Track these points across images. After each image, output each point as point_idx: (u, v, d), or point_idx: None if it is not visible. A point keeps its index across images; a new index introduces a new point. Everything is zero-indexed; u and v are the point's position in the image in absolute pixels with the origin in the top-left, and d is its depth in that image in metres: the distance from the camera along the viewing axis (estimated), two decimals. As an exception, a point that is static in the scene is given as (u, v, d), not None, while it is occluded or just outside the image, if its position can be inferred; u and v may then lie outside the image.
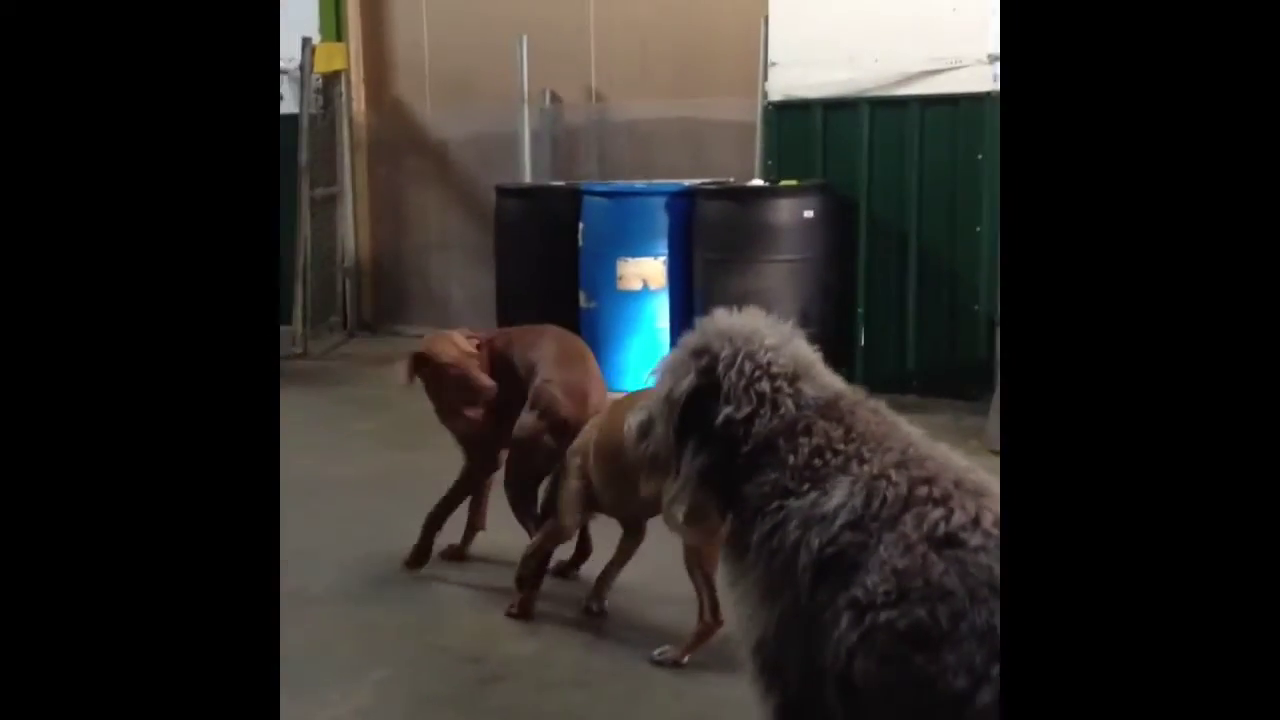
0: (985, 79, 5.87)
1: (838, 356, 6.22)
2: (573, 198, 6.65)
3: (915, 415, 5.49)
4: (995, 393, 5.37)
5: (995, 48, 5.78)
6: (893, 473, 1.71)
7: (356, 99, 8.52)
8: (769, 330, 1.89)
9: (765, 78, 6.52)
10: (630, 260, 6.36)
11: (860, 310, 6.34)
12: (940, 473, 1.72)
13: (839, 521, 1.68)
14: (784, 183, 6.30)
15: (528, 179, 7.44)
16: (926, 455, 1.77)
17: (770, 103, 6.52)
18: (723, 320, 1.94)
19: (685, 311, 6.25)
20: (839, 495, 1.70)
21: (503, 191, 7.16)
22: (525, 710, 2.94)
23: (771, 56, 6.49)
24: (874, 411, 1.85)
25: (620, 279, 6.39)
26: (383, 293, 8.65)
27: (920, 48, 6.05)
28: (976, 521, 1.64)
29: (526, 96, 7.43)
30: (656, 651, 3.13)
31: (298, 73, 7.69)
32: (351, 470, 4.96)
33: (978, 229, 5.99)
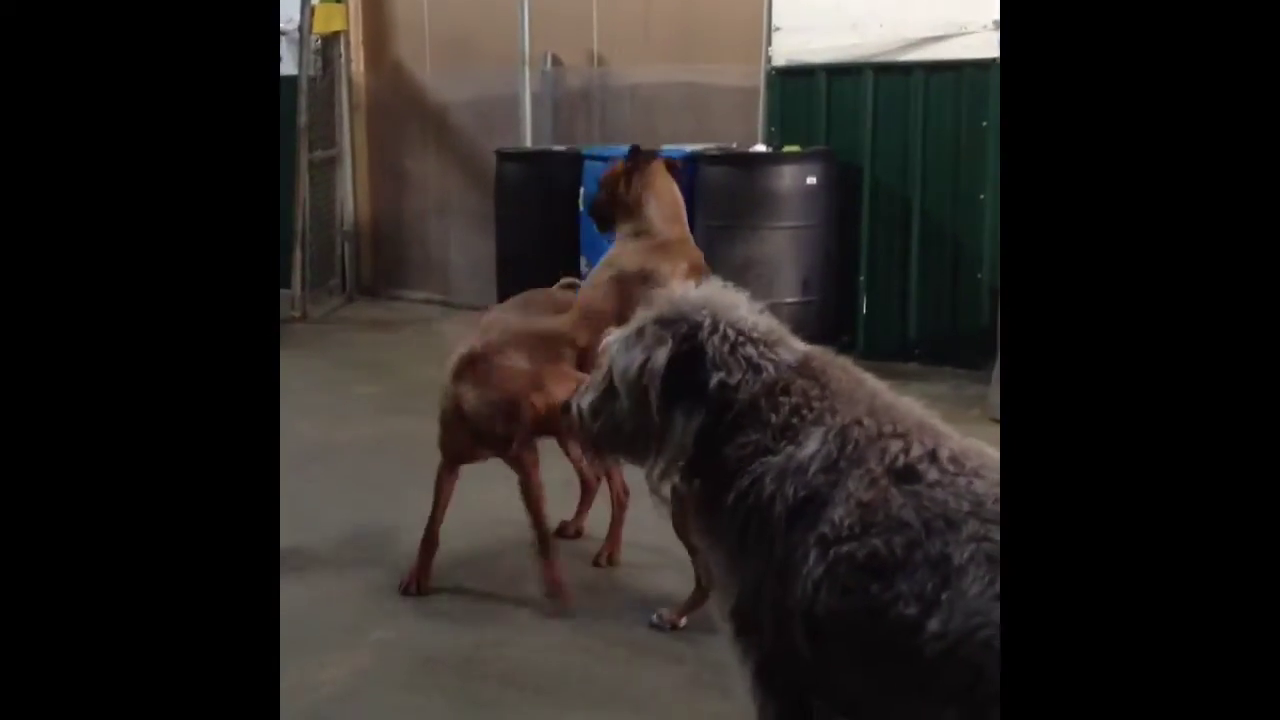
0: (990, 45, 5.82)
1: (839, 324, 6.28)
2: (574, 162, 6.62)
3: (917, 383, 5.50)
4: (997, 361, 5.37)
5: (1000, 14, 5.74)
6: (864, 418, 1.78)
7: (356, 60, 8.46)
8: (729, 298, 1.93)
9: (769, 43, 6.47)
10: (631, 225, 6.33)
11: (862, 278, 6.32)
12: (905, 416, 1.81)
13: (813, 468, 1.74)
14: (787, 149, 6.26)
15: (528, 143, 7.40)
16: (892, 404, 1.84)
17: (774, 68, 6.47)
18: (691, 292, 1.97)
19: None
20: (812, 445, 1.76)
21: (503, 155, 7.12)
22: (524, 673, 2.96)
23: (775, 21, 6.44)
24: (843, 369, 1.91)
25: (621, 244, 6.36)
26: (382, 256, 8.63)
27: (924, 13, 6.00)
28: (934, 455, 1.71)
29: (528, 60, 7.37)
30: (654, 615, 3.14)
31: (296, 34, 7.63)
32: (352, 434, 4.96)
33: (981, 196, 5.96)
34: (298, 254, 7.57)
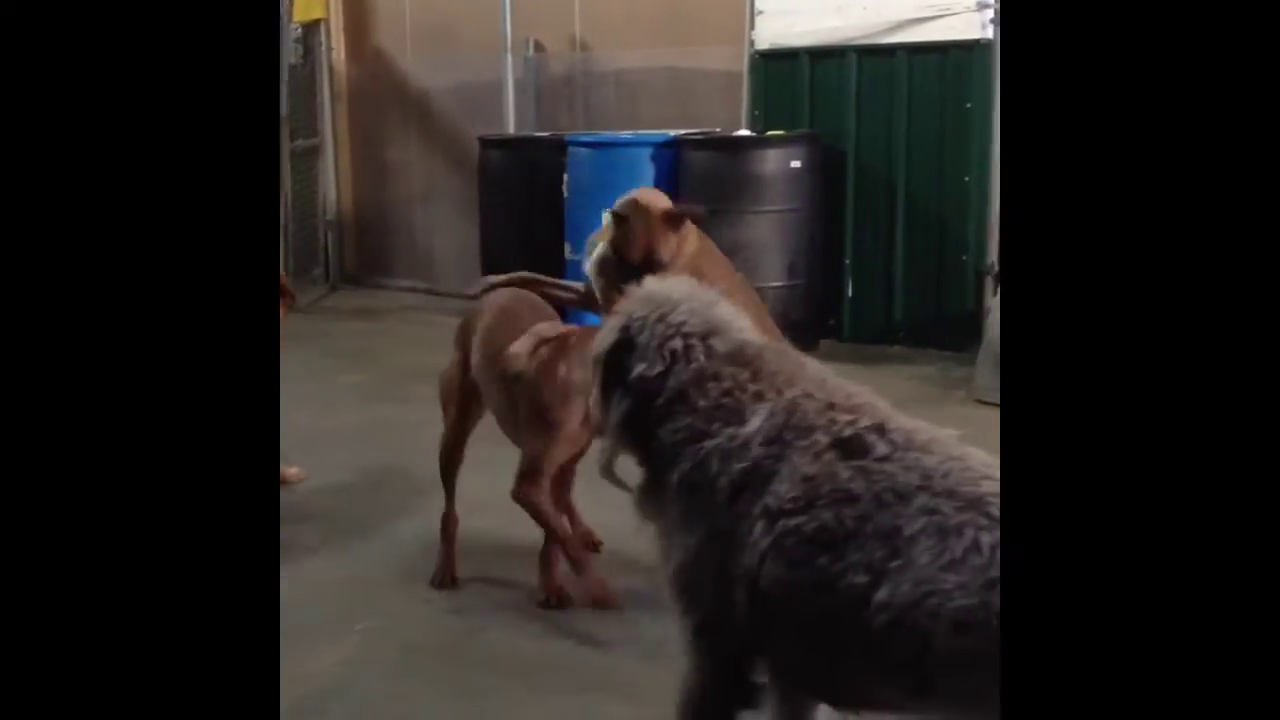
0: (974, 26, 5.81)
1: (825, 307, 6.27)
2: (557, 149, 6.59)
3: (902, 366, 5.49)
4: (982, 344, 5.37)
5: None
6: (815, 392, 1.86)
7: (337, 48, 8.40)
8: (688, 295, 2.05)
9: (752, 26, 6.44)
10: (616, 211, 6.31)
11: (848, 261, 6.32)
12: (854, 394, 1.87)
13: (755, 442, 1.81)
14: (771, 133, 6.24)
15: (511, 130, 7.36)
16: (837, 385, 1.91)
17: (757, 51, 6.45)
18: (650, 286, 2.11)
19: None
20: (755, 421, 1.84)
21: (486, 142, 7.08)
22: (509, 659, 2.95)
23: (758, 4, 6.42)
24: (780, 354, 2.00)
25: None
26: (365, 245, 8.59)
27: (908, -5, 5.99)
28: (882, 429, 1.76)
29: (510, 45, 7.33)
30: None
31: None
32: (338, 423, 4.94)
33: (966, 179, 5.96)
34: (281, 243, 7.53)
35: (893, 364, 5.82)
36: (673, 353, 1.96)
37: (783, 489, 1.75)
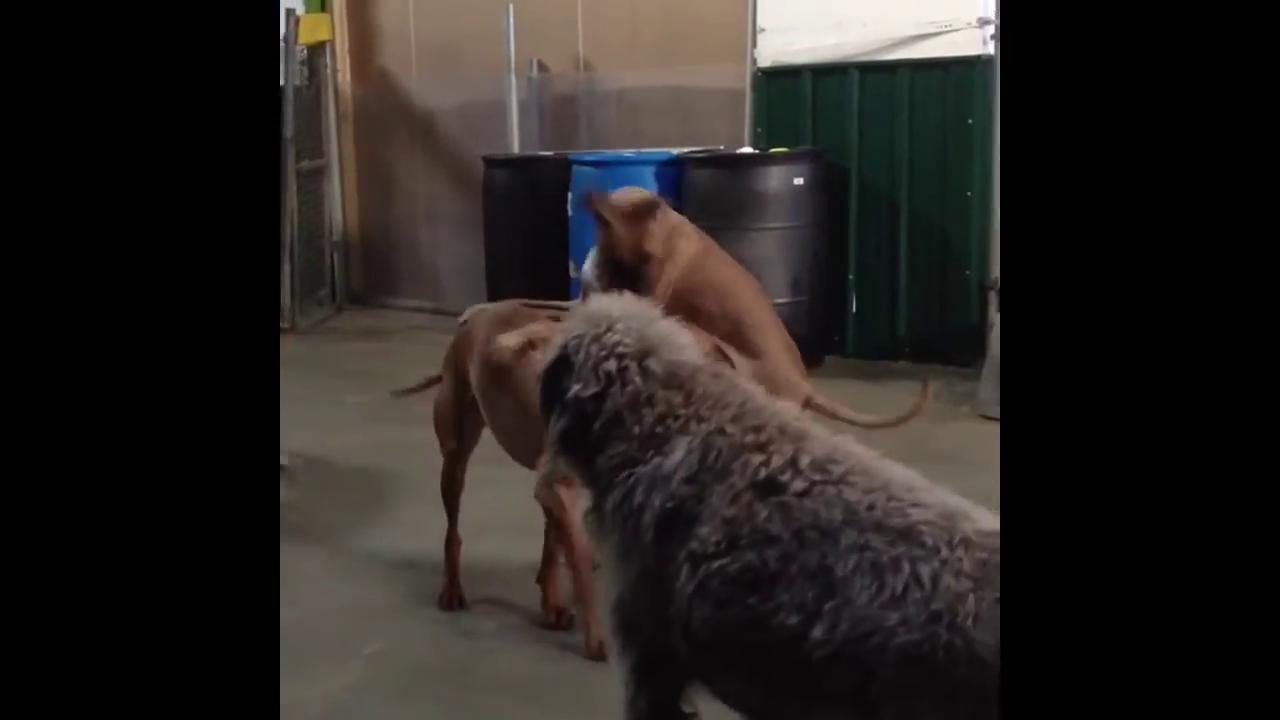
0: (975, 43, 5.83)
1: (830, 323, 6.28)
2: (561, 167, 6.61)
3: (907, 381, 5.47)
4: (986, 358, 5.36)
5: (985, 11, 5.74)
6: (727, 426, 1.83)
7: (342, 70, 8.45)
8: (626, 313, 2.03)
9: (754, 44, 6.47)
10: (620, 230, 6.32)
11: (851, 277, 6.32)
12: (768, 421, 1.83)
13: (677, 477, 1.81)
14: (774, 150, 6.26)
15: (516, 149, 7.39)
16: (757, 412, 1.88)
17: (759, 69, 6.47)
18: (591, 303, 2.12)
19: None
20: (677, 454, 1.83)
21: (491, 162, 7.11)
22: (519, 680, 2.95)
23: (760, 22, 6.44)
24: (714, 375, 1.98)
25: (610, 249, 6.35)
26: (371, 265, 8.61)
27: (909, 11, 6.01)
28: (794, 463, 1.74)
29: (514, 66, 7.37)
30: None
31: (282, 45, 7.61)
32: (343, 443, 4.94)
33: (968, 194, 5.97)
34: (286, 264, 7.55)
35: (897, 379, 5.81)
36: (608, 374, 1.94)
37: (705, 531, 1.74)
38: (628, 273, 3.41)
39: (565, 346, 2.02)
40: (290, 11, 7.63)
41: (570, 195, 6.47)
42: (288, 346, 6.97)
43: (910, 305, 6.21)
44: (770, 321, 3.57)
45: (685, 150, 6.44)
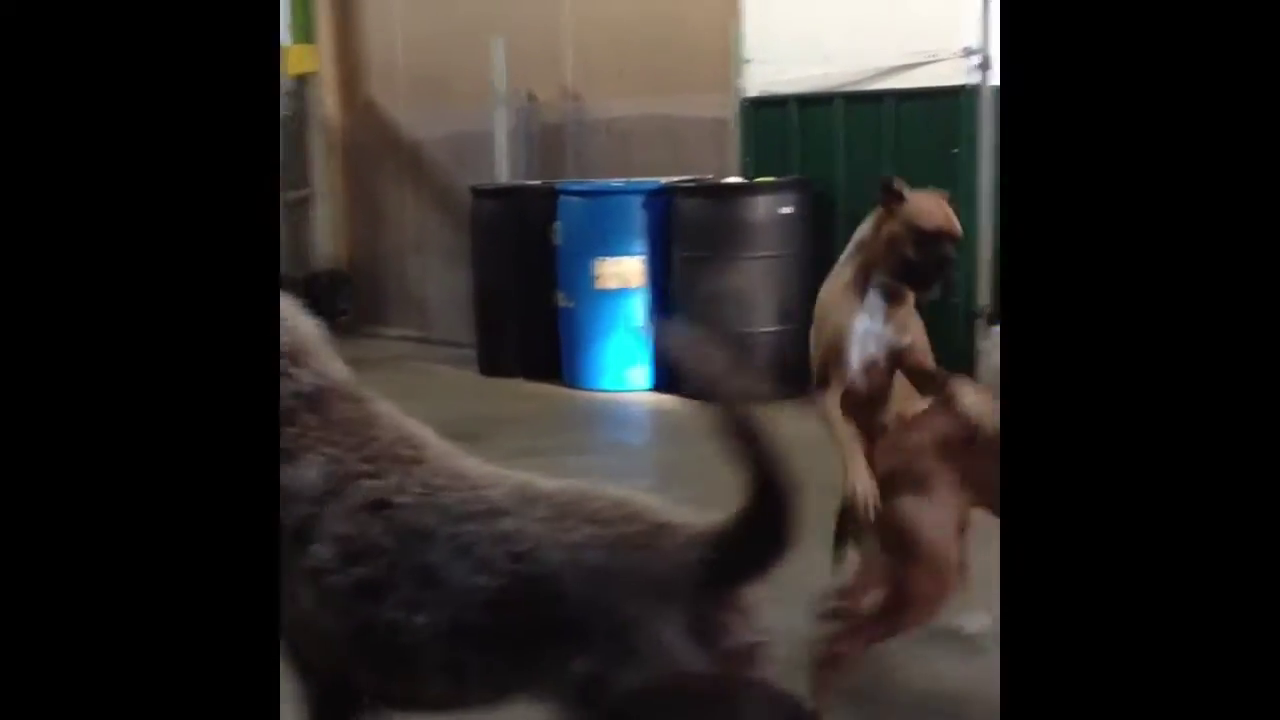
0: (960, 72, 5.88)
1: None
2: (549, 197, 6.63)
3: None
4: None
5: (970, 41, 5.80)
6: (345, 455, 1.93)
7: (329, 101, 8.48)
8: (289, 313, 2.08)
9: (740, 74, 6.52)
10: (608, 259, 6.35)
11: (839, 306, 6.33)
12: (385, 450, 1.94)
13: (304, 497, 1.90)
14: (761, 179, 6.29)
15: (504, 179, 7.42)
16: (377, 437, 1.96)
17: (746, 99, 6.52)
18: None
19: (664, 310, 6.24)
20: (310, 474, 1.92)
21: (478, 192, 7.13)
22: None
23: (746, 53, 6.49)
24: (352, 400, 2.03)
25: (598, 278, 6.37)
26: (358, 295, 8.61)
27: (894, 42, 6.06)
28: (401, 487, 1.89)
29: (502, 96, 7.41)
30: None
31: (269, 75, 7.65)
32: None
33: (955, 223, 5.99)
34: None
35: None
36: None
37: (321, 550, 1.86)
38: (917, 267, 3.03)
39: None
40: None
41: (557, 225, 6.50)
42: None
43: (898, 333, 6.22)
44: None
45: (673, 179, 6.48)
